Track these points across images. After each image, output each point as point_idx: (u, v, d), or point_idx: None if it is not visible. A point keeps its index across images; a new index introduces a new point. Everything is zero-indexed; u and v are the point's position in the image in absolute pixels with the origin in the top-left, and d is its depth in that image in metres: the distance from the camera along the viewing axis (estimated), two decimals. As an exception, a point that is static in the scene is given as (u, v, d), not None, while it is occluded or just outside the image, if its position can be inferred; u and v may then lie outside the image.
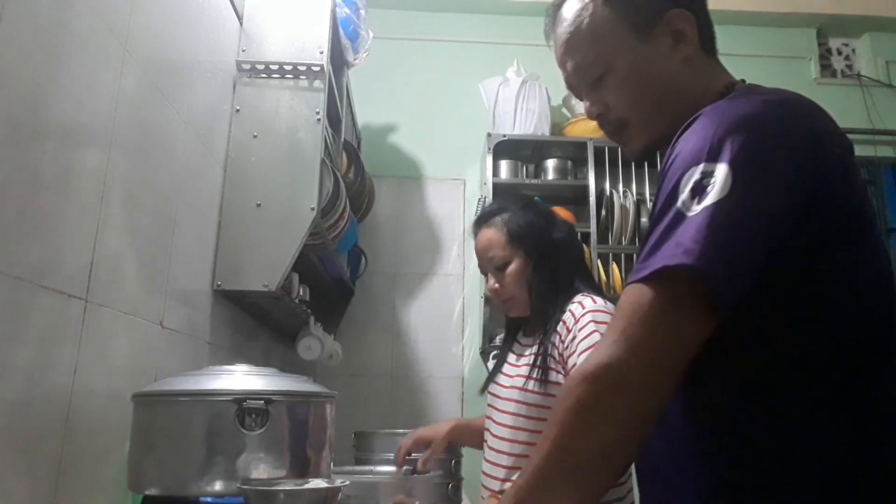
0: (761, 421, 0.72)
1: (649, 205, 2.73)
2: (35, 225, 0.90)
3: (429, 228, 2.99)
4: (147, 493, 0.99)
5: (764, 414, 0.72)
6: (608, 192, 2.72)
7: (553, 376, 1.37)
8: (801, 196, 0.70)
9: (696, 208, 0.68)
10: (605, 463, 0.70)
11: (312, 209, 1.67)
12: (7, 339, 0.84)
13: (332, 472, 1.11)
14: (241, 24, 1.79)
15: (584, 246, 2.65)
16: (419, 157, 3.07)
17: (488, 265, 1.52)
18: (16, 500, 0.87)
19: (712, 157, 0.70)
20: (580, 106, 3.12)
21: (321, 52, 1.79)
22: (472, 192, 2.98)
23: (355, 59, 2.23)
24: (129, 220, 1.18)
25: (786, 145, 0.71)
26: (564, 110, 3.04)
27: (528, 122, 2.80)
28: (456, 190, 3.03)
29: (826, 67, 3.33)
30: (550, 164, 2.88)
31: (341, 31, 2.08)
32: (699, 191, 0.69)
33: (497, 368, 1.53)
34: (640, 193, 2.76)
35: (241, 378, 1.05)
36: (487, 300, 2.56)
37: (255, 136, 1.73)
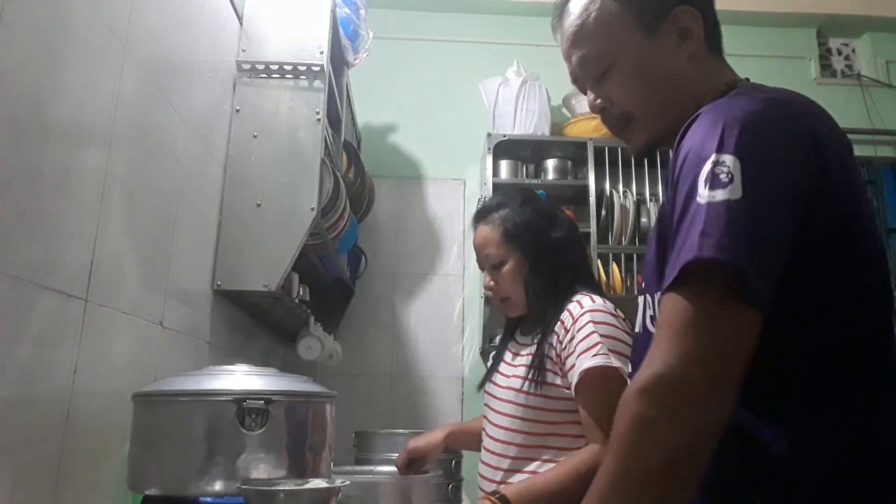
0: (761, 421, 0.72)
1: (649, 205, 2.74)
2: (35, 225, 0.90)
3: (429, 228, 2.99)
4: (147, 493, 0.99)
5: (763, 414, 0.72)
6: (608, 192, 2.72)
7: (550, 378, 1.34)
8: (804, 195, 0.70)
9: (716, 196, 0.67)
10: (672, 478, 0.66)
11: (312, 209, 1.67)
12: (7, 338, 0.84)
13: (332, 472, 1.11)
14: (241, 24, 1.79)
15: (585, 246, 2.66)
16: (419, 157, 3.06)
17: (484, 262, 1.50)
18: (16, 500, 0.87)
19: (720, 148, 0.69)
20: (580, 106, 3.13)
21: (321, 52, 1.78)
22: (472, 192, 2.98)
23: (355, 59, 2.23)
24: (129, 220, 1.18)
25: (789, 143, 0.71)
26: (564, 110, 3.04)
27: (528, 122, 2.80)
28: (456, 190, 3.03)
29: (826, 67, 3.33)
30: (550, 164, 2.88)
31: (341, 31, 2.08)
32: (714, 180, 0.68)
33: (494, 366, 1.52)
34: (640, 193, 2.76)
35: (241, 378, 1.05)
36: (487, 300, 2.56)
37: (255, 136, 1.73)
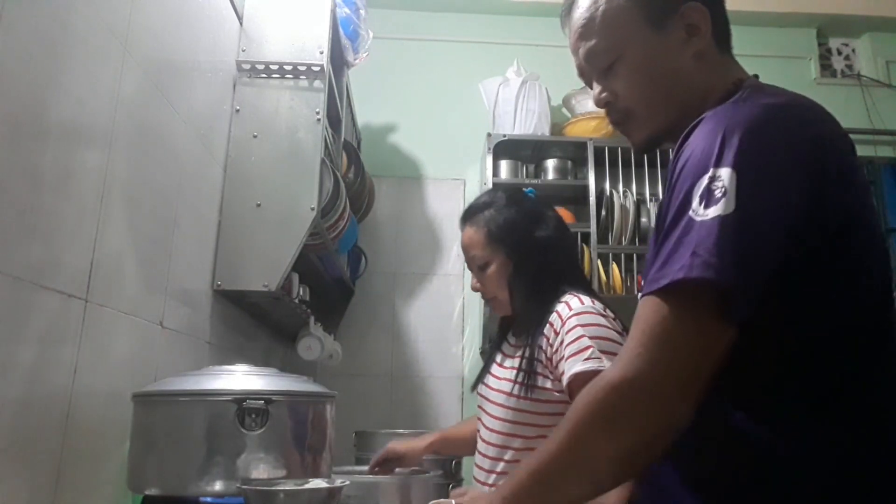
0: (759, 422, 0.72)
1: (649, 205, 2.73)
2: (35, 225, 0.90)
3: (429, 228, 2.99)
4: (147, 493, 0.99)
5: (761, 415, 0.72)
6: (608, 192, 2.72)
7: (540, 381, 1.32)
8: (805, 204, 0.70)
9: (709, 214, 0.68)
10: (622, 469, 0.72)
11: (312, 209, 1.67)
12: (7, 339, 0.84)
13: (332, 472, 1.11)
14: (241, 24, 1.80)
15: (585, 246, 2.66)
16: (419, 157, 3.06)
17: (471, 264, 1.49)
18: (16, 500, 0.87)
19: (718, 161, 0.70)
20: (580, 106, 3.14)
21: (321, 52, 1.79)
22: (472, 192, 2.97)
23: (355, 59, 2.23)
24: (129, 220, 1.18)
25: (789, 152, 0.71)
26: (564, 110, 3.04)
27: (528, 122, 2.80)
28: (456, 190, 3.03)
29: (826, 67, 3.33)
30: (550, 164, 2.88)
31: (341, 31, 2.08)
32: (709, 196, 0.69)
33: (486, 368, 1.50)
34: (640, 193, 2.76)
35: (241, 378, 1.05)
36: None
37: (255, 136, 1.73)
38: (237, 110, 1.74)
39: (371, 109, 2.96)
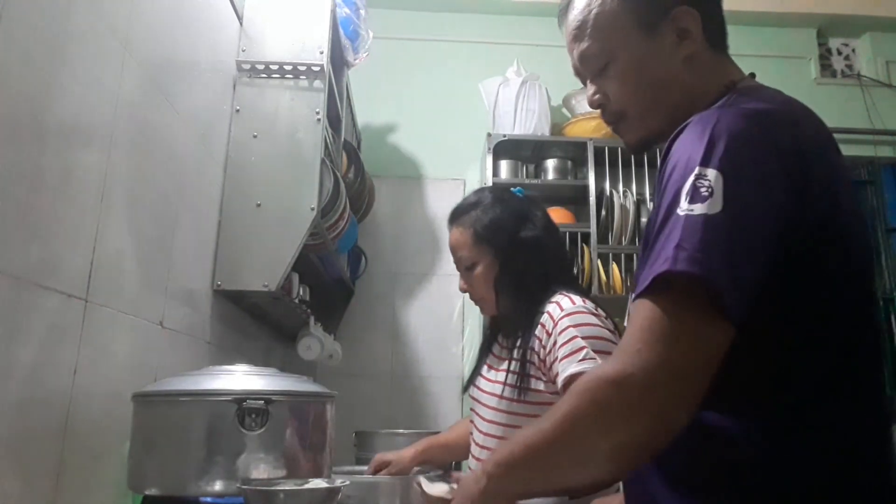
0: (731, 420, 0.73)
1: (649, 205, 2.73)
2: (35, 225, 0.90)
3: (429, 228, 2.99)
4: (147, 493, 0.99)
5: (735, 413, 0.73)
6: (608, 192, 2.72)
7: (533, 384, 1.31)
8: (788, 208, 0.71)
9: (694, 210, 0.69)
10: (617, 464, 0.72)
11: (312, 209, 1.67)
12: (7, 339, 0.84)
13: (332, 472, 1.11)
14: (241, 24, 1.79)
15: (585, 246, 2.66)
16: (419, 157, 3.07)
17: (458, 265, 1.48)
18: (16, 500, 0.87)
19: (705, 162, 0.71)
20: (580, 106, 3.14)
21: (321, 52, 1.78)
22: (472, 193, 2.97)
23: (355, 59, 2.23)
24: (130, 220, 1.18)
25: (773, 158, 0.72)
26: (564, 110, 3.04)
27: (528, 122, 2.80)
28: (456, 190, 3.02)
29: (826, 67, 3.33)
30: (550, 164, 2.88)
31: (341, 31, 2.08)
32: (694, 193, 0.70)
33: (477, 370, 1.50)
34: (640, 193, 2.76)
35: (241, 378, 1.05)
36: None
37: (255, 136, 1.73)
38: (237, 110, 1.74)
39: (371, 109, 2.96)
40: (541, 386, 1.31)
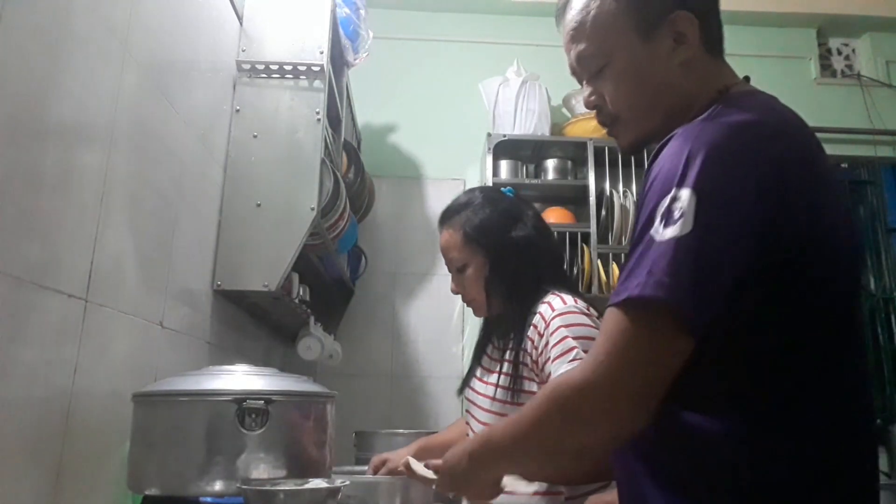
0: (716, 423, 0.73)
1: (649, 205, 2.73)
2: (35, 225, 0.90)
3: (429, 228, 2.98)
4: (147, 493, 0.99)
5: (721, 417, 0.73)
6: (608, 192, 2.72)
7: (526, 385, 1.31)
8: (763, 223, 0.72)
9: (666, 234, 0.72)
10: (577, 460, 0.87)
11: (312, 209, 1.67)
12: (7, 339, 0.84)
13: (332, 472, 1.11)
14: (241, 24, 1.79)
15: (585, 246, 2.66)
16: (419, 157, 3.06)
17: (449, 266, 1.48)
18: (16, 500, 0.87)
19: (681, 182, 0.73)
20: (580, 106, 3.14)
21: (321, 52, 1.78)
22: (472, 192, 2.97)
23: (355, 59, 2.23)
24: (129, 220, 1.18)
25: (750, 173, 0.73)
26: (564, 110, 3.04)
27: (528, 122, 2.80)
28: (456, 190, 2.97)
29: (826, 67, 3.33)
30: (550, 164, 2.88)
31: (341, 31, 2.08)
32: (668, 217, 0.73)
33: (472, 371, 1.49)
34: (640, 193, 2.75)
35: (241, 378, 1.05)
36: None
37: (255, 136, 1.73)
38: (237, 110, 1.74)
39: (371, 109, 2.96)
40: (534, 387, 1.31)
